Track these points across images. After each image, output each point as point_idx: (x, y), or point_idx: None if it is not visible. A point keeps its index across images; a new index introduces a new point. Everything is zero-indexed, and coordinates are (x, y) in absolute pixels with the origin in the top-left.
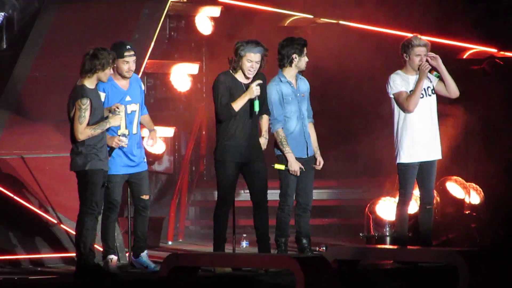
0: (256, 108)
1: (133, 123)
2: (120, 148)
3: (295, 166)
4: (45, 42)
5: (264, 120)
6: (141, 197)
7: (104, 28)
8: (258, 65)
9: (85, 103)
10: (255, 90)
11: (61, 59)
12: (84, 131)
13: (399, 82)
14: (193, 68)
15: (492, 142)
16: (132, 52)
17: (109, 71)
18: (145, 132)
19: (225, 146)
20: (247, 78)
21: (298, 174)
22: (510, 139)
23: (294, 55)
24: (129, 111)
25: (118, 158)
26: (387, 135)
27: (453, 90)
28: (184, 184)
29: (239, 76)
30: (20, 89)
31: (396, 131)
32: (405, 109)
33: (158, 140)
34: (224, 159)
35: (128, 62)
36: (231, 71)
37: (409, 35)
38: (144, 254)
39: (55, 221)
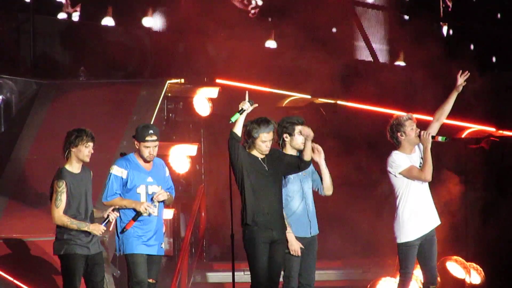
0: (232, 118)
1: (157, 205)
2: (139, 227)
3: (295, 246)
4: (43, 124)
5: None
6: (149, 281)
7: (102, 110)
8: (271, 143)
9: (61, 186)
10: (246, 105)
11: (59, 141)
12: (59, 217)
13: (404, 159)
14: (192, 149)
15: (491, 221)
16: (155, 138)
17: (84, 148)
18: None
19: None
20: (262, 154)
21: (299, 253)
22: (509, 218)
23: (284, 135)
24: (150, 192)
25: (136, 237)
26: (387, 215)
27: (428, 174)
28: (184, 267)
29: (254, 152)
30: (19, 172)
31: (397, 210)
32: (422, 180)
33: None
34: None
35: (149, 147)
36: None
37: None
38: None
39: None
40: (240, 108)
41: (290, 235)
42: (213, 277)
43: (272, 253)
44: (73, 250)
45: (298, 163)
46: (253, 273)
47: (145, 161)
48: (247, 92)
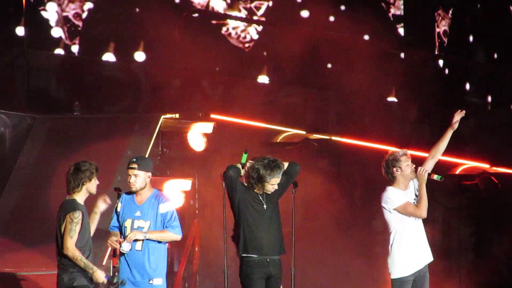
0: (244, 160)
1: (137, 240)
2: (126, 261)
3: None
4: (37, 159)
5: None
6: None
7: (96, 144)
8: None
9: (77, 217)
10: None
11: (54, 176)
12: (73, 249)
13: (399, 195)
14: (186, 184)
15: (485, 257)
16: (134, 166)
17: (95, 181)
18: None
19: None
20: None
21: None
22: (502, 253)
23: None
24: (135, 226)
25: (124, 270)
26: (379, 250)
27: (424, 210)
28: None
29: (257, 190)
30: (13, 207)
31: (391, 246)
32: (417, 217)
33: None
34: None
35: (130, 175)
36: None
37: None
38: None
39: None
40: (245, 150)
41: None
42: None
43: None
44: (85, 282)
45: (286, 172)
46: None
47: (135, 192)
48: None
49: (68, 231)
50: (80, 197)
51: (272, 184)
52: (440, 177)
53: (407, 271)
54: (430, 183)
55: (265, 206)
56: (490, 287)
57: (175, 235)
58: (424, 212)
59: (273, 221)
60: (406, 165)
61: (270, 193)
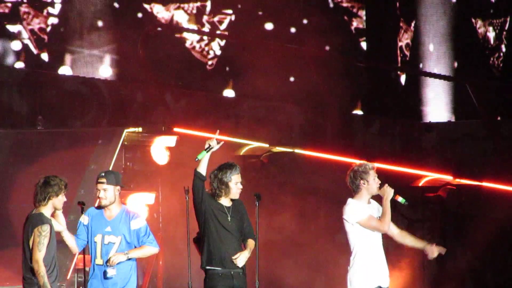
0: (199, 156)
1: (109, 255)
2: (98, 275)
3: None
4: (1, 174)
5: (250, 243)
6: None
7: (60, 158)
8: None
9: (46, 230)
10: (214, 142)
11: (18, 190)
12: (40, 263)
13: (362, 208)
14: (150, 197)
15: (449, 269)
16: (103, 180)
17: (62, 198)
18: None
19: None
20: (232, 200)
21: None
22: (466, 265)
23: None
24: (106, 242)
25: (96, 284)
26: (341, 265)
27: (387, 225)
28: None
29: (222, 200)
30: None
31: (353, 259)
32: (380, 231)
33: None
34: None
35: (99, 189)
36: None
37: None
38: None
39: None
40: (207, 146)
41: None
42: None
43: None
44: None
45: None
46: None
47: (103, 207)
48: (218, 131)
49: (37, 244)
50: (46, 210)
51: (236, 182)
52: (404, 200)
53: (365, 285)
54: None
55: (229, 218)
56: None
57: (154, 248)
58: (387, 227)
59: (237, 234)
60: (373, 179)
61: (235, 200)
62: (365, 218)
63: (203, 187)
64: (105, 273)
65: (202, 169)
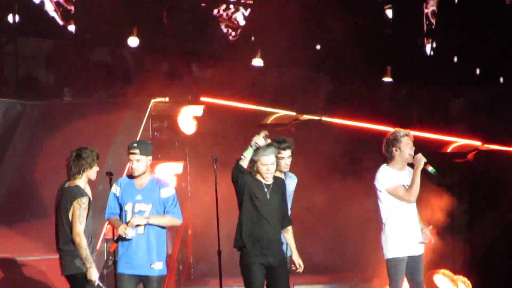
0: (245, 153)
1: (139, 225)
2: (125, 247)
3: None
4: (29, 145)
5: (289, 233)
6: None
7: (87, 129)
8: (274, 167)
9: (85, 202)
10: (261, 140)
11: (46, 161)
12: (82, 236)
13: (392, 176)
14: (177, 167)
15: (478, 233)
16: (136, 151)
17: (96, 168)
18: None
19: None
20: (274, 178)
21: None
22: (495, 231)
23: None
24: (136, 210)
25: (122, 257)
26: (374, 229)
27: (413, 196)
28: (172, 284)
29: (259, 177)
30: (5, 192)
31: (384, 226)
32: (406, 201)
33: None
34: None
35: (132, 160)
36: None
37: (391, 129)
38: None
39: None
40: (253, 143)
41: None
42: None
43: (275, 278)
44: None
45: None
46: None
47: (134, 177)
48: (265, 132)
49: (77, 217)
50: (81, 182)
51: (263, 164)
52: (434, 170)
53: (401, 252)
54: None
55: (268, 197)
56: (484, 262)
57: (177, 220)
58: (413, 198)
59: (276, 214)
60: (405, 146)
61: (277, 178)
62: (393, 187)
63: (242, 177)
64: (123, 235)
65: (244, 162)
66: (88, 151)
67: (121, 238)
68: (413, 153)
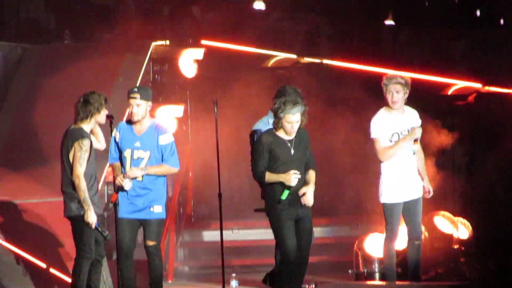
0: (283, 197)
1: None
2: (125, 192)
3: (289, 177)
4: (29, 88)
5: (311, 174)
6: (146, 243)
7: (88, 72)
8: (298, 124)
9: (86, 144)
10: (292, 180)
11: (46, 104)
12: (81, 178)
13: (380, 126)
14: (178, 110)
15: (478, 176)
16: (136, 95)
17: (104, 112)
18: None
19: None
20: (289, 135)
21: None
22: (496, 173)
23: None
24: (135, 157)
25: (122, 202)
26: (374, 172)
27: (386, 157)
28: (172, 226)
29: (281, 134)
30: (6, 135)
31: (381, 171)
32: (376, 156)
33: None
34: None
35: (131, 104)
36: (273, 129)
37: (394, 72)
38: None
39: (44, 266)
40: (288, 185)
41: (280, 175)
42: (201, 235)
43: (300, 228)
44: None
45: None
46: (283, 249)
47: (134, 122)
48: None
49: (78, 159)
50: (87, 126)
51: (288, 122)
52: (414, 151)
53: (394, 198)
54: (424, 99)
55: (292, 151)
56: (484, 205)
57: (173, 168)
58: (384, 159)
59: (301, 168)
60: (389, 93)
61: (299, 130)
62: (375, 138)
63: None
64: (121, 186)
65: (269, 179)
66: (96, 96)
67: (120, 189)
68: (398, 101)
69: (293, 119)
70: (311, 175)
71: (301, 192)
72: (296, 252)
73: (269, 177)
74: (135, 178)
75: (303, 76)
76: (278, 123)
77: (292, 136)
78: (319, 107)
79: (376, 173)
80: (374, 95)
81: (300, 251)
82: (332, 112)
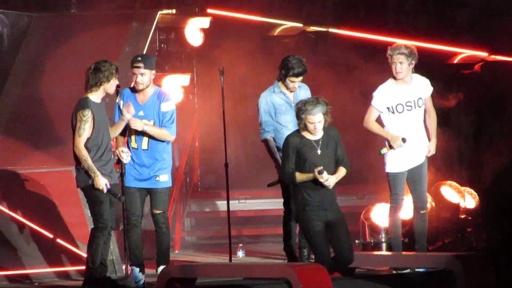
0: (382, 151)
1: (142, 139)
2: (131, 161)
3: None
4: (36, 57)
5: (341, 169)
6: (153, 211)
7: (94, 41)
8: (321, 124)
9: (86, 115)
10: (324, 180)
11: (52, 73)
12: (81, 148)
13: (380, 97)
14: (184, 79)
15: (485, 145)
16: (140, 65)
17: (114, 82)
18: None
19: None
20: (314, 135)
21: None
22: (503, 142)
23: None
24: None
25: (129, 171)
26: (379, 142)
27: (367, 126)
28: (179, 196)
29: (307, 134)
30: (12, 104)
31: (386, 141)
32: (363, 122)
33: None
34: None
35: (135, 74)
36: (299, 131)
37: (400, 41)
38: (136, 269)
39: (51, 236)
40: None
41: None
42: (208, 205)
43: (335, 233)
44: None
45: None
46: (317, 251)
47: (137, 90)
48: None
49: (78, 129)
50: (95, 96)
51: (310, 122)
52: (380, 153)
53: (398, 168)
54: (432, 66)
55: (319, 152)
56: (491, 174)
57: (170, 135)
58: (365, 125)
59: (329, 167)
60: (392, 63)
61: (327, 128)
62: (371, 106)
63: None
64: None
65: (299, 179)
66: (107, 65)
67: (119, 160)
68: (402, 71)
69: (315, 120)
70: (341, 170)
71: (321, 172)
72: (339, 255)
73: (300, 176)
74: (143, 135)
75: (309, 45)
76: (301, 124)
77: (319, 136)
78: (325, 75)
79: (381, 141)
80: (379, 64)
81: (341, 253)
82: (338, 80)
